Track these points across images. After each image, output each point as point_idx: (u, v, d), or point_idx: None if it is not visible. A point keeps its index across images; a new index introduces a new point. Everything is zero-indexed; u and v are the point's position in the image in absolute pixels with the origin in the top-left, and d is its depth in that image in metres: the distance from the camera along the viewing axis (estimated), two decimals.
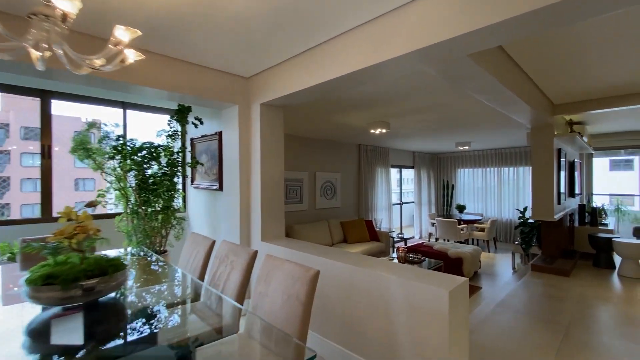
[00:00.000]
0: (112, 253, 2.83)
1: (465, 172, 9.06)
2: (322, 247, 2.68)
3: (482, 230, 7.19)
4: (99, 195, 3.16)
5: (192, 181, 4.03)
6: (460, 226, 7.01)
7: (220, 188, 3.39)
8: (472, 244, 7.66)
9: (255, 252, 1.93)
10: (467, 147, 7.22)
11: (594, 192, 7.28)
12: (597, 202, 7.23)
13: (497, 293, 4.15)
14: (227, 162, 3.20)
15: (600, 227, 4.95)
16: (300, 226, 5.20)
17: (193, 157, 3.80)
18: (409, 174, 9.25)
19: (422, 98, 3.45)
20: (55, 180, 3.32)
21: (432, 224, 7.86)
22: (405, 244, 6.40)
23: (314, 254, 2.38)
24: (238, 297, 1.86)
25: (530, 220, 5.73)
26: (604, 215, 5.94)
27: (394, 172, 8.46)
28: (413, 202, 8.93)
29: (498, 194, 8.30)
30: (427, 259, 4.90)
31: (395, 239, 6.37)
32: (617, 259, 4.59)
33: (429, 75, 2.74)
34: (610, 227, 5.05)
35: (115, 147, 3.15)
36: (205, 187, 3.71)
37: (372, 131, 4.64)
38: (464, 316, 1.78)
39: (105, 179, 3.21)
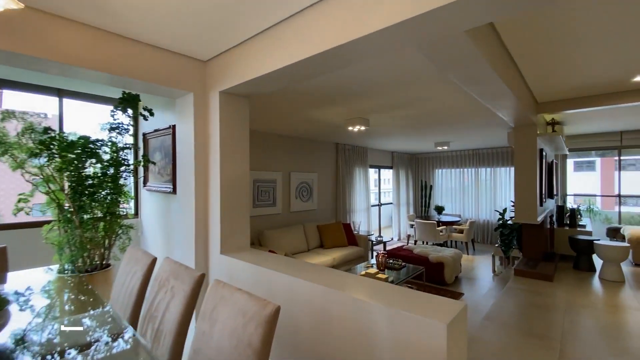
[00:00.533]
0: (37, 270, 2.30)
1: (443, 172, 8.97)
2: (292, 261, 2.28)
3: (461, 231, 7.07)
4: (19, 200, 2.59)
5: (145, 183, 3.50)
6: (439, 228, 6.84)
7: (175, 191, 2.91)
8: (451, 246, 7.54)
9: (202, 277, 1.50)
10: (446, 147, 7.07)
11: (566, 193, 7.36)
12: (568, 203, 7.31)
13: (482, 302, 3.93)
14: (181, 160, 2.73)
15: (578, 229, 4.89)
16: (272, 232, 4.77)
17: (144, 154, 3.28)
18: (387, 174, 9.05)
19: (403, 92, 3.14)
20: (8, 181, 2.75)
21: (411, 226, 7.67)
22: (384, 247, 6.13)
23: (281, 271, 1.98)
24: (178, 335, 1.43)
25: (510, 222, 5.63)
26: (579, 217, 5.95)
27: (372, 172, 8.21)
28: (392, 204, 8.72)
29: (475, 194, 8.25)
30: (407, 264, 4.63)
31: (374, 242, 6.09)
32: (597, 262, 4.53)
33: (411, 65, 2.42)
34: (588, 228, 5.01)
35: (42, 142, 2.59)
36: (159, 189, 3.20)
37: (350, 128, 4.29)
38: (463, 349, 1.45)
39: (30, 181, 2.65)
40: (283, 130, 5.02)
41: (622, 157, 6.61)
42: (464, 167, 8.46)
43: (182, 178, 2.73)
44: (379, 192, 8.42)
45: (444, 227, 7.02)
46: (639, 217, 7.74)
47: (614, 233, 5.90)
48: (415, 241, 7.24)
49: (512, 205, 5.91)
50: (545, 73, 3.09)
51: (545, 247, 4.69)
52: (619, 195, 6.48)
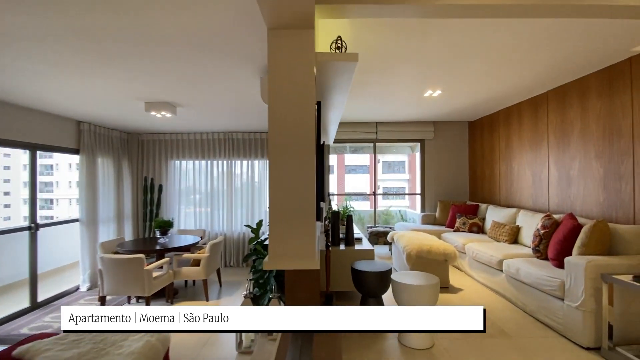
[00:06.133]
0: None
1: (183, 165, 5.84)
2: None
3: (197, 263, 4.16)
4: None
5: None
6: (156, 263, 3.62)
7: None
8: (186, 286, 4.49)
9: None
10: (167, 114, 3.97)
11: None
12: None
13: None
14: None
15: (357, 248, 3.19)
16: None
17: None
18: (62, 165, 4.76)
19: None
20: None
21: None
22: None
23: None
24: None
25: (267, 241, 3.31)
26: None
27: (15, 159, 3.75)
28: (77, 221, 4.59)
29: (229, 198, 5.71)
30: None
31: None
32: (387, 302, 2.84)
33: None
34: (365, 245, 3.39)
35: None
36: None
37: None
38: None
39: None
40: None
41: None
42: (214, 159, 5.75)
43: None
44: (34, 199, 4.05)
45: (168, 258, 3.87)
46: (386, 215, 7.88)
47: (377, 238, 4.95)
48: (103, 298, 3.61)
49: None
50: None
51: (323, 289, 2.50)
52: (374, 194, 5.89)
